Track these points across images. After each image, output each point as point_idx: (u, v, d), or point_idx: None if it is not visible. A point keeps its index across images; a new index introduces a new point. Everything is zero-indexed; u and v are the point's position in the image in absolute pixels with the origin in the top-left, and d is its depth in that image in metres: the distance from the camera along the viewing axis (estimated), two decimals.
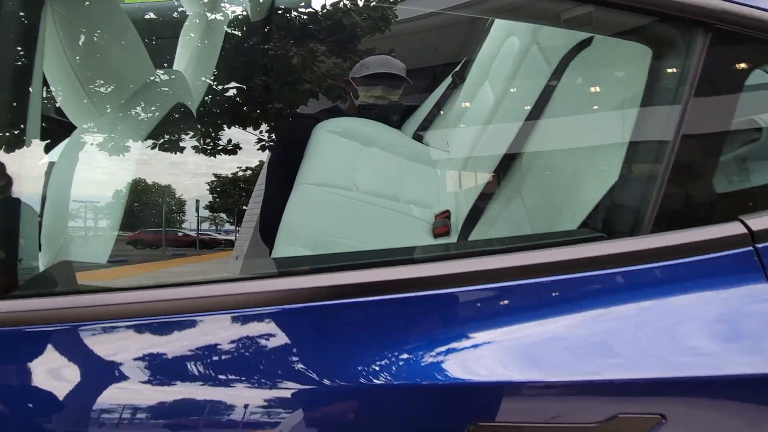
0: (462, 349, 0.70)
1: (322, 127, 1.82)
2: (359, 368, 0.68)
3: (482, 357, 0.69)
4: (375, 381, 0.68)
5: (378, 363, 0.69)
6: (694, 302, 0.70)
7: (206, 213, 1.79)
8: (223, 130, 1.73)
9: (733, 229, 0.71)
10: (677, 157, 0.71)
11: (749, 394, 0.67)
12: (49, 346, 0.69)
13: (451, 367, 0.69)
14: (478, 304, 0.72)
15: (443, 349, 0.70)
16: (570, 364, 0.68)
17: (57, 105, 1.26)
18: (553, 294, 0.71)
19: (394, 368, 0.69)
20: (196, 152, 1.70)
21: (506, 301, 0.71)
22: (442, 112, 2.05)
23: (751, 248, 0.71)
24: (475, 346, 0.70)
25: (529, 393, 0.68)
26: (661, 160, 0.71)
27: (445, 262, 0.73)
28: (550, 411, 0.68)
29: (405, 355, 0.70)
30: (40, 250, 0.93)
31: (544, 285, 0.71)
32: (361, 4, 1.87)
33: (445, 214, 1.69)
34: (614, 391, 0.67)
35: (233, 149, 1.75)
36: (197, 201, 1.76)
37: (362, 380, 0.68)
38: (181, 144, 1.64)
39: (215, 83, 1.64)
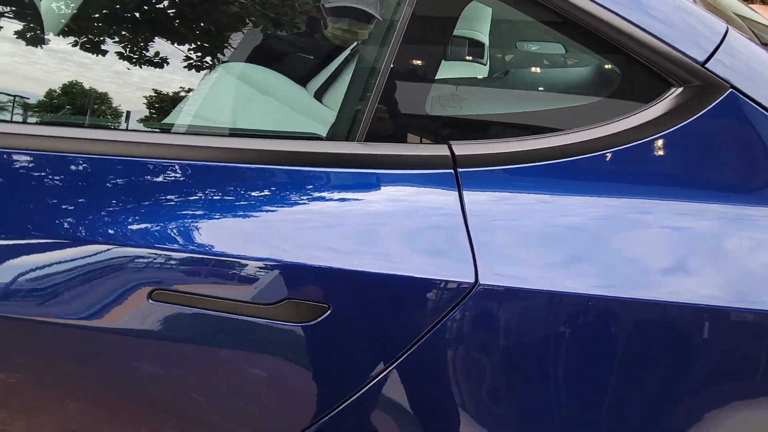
0: (161, 220, 0.75)
1: (225, 68, 1.85)
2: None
3: (174, 228, 0.74)
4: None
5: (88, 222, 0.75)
6: (385, 207, 0.76)
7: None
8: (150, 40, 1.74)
9: (440, 150, 0.77)
10: (388, 81, 0.77)
11: (416, 293, 0.73)
12: None
13: (139, 233, 0.74)
14: (188, 180, 0.77)
15: (142, 217, 0.75)
16: (251, 244, 0.73)
17: None
18: (247, 180, 0.76)
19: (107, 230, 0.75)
20: (120, 58, 1.70)
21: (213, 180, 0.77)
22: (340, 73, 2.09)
23: (451, 171, 0.76)
24: (173, 218, 0.75)
25: (206, 265, 0.73)
26: (374, 81, 0.77)
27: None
28: (227, 285, 0.74)
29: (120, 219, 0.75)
30: None
31: (256, 170, 0.77)
32: None
33: None
34: (285, 275, 0.73)
35: (160, 62, 1.75)
36: (128, 112, 1.76)
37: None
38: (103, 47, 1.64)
39: None
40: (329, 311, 0.72)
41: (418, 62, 0.80)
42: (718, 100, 0.77)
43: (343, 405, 0.74)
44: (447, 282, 0.71)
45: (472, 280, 0.71)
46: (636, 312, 0.70)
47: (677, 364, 0.71)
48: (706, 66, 0.77)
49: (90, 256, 0.73)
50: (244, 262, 0.72)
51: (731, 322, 0.70)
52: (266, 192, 0.75)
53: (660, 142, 0.77)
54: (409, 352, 0.72)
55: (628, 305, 0.70)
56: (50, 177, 0.78)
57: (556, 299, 0.71)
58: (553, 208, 0.76)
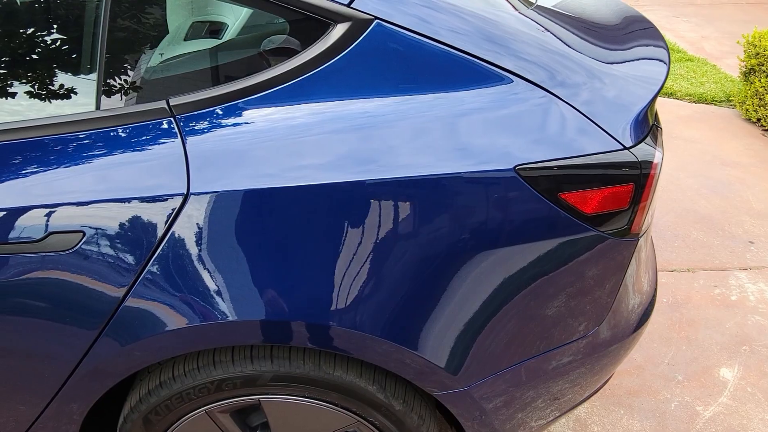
0: None
1: None
2: None
3: None
4: None
5: None
6: (120, 155, 0.99)
7: None
8: None
9: (158, 104, 1.00)
10: (107, 54, 1.01)
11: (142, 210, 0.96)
12: None
13: None
14: None
15: None
16: (19, 197, 0.96)
17: None
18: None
19: None
20: None
21: None
22: None
23: (170, 117, 1.00)
24: None
25: None
26: (95, 57, 1.02)
27: None
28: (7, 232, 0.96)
29: None
30: None
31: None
32: None
33: None
34: (45, 214, 0.95)
35: None
36: None
37: None
38: None
39: None
40: (85, 237, 0.95)
41: (125, 42, 1.03)
42: (367, 31, 1.02)
43: (122, 304, 0.97)
44: (164, 196, 0.94)
45: (184, 191, 0.94)
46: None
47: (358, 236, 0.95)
48: (351, 6, 1.01)
49: None
50: (15, 210, 0.95)
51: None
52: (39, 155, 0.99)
53: (333, 67, 1.01)
54: (156, 254, 0.95)
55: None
56: None
57: (251, 195, 0.94)
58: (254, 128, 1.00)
